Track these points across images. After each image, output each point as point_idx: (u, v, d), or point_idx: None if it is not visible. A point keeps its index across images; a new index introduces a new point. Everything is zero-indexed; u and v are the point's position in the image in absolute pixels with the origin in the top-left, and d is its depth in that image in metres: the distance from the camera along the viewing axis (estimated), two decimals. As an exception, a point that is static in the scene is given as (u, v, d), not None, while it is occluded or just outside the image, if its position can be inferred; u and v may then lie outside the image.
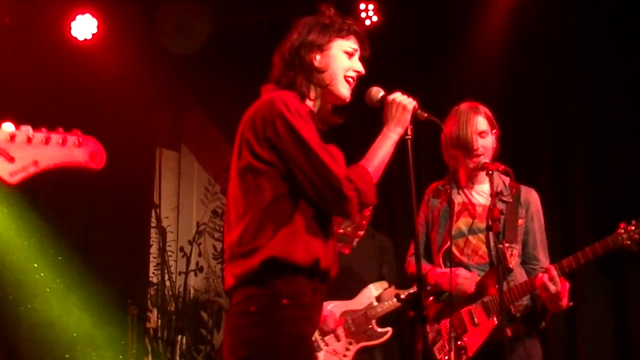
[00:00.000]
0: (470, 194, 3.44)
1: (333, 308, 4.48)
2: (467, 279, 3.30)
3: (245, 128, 2.43)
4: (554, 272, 3.17)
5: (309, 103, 2.54)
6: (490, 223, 3.20)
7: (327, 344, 4.42)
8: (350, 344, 4.43)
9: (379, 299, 4.56)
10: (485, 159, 3.34)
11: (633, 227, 3.18)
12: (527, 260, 3.39)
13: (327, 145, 2.40)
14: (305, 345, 2.35)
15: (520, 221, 3.35)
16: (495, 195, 3.22)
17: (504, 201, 3.34)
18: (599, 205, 4.96)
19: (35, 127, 1.90)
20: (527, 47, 5.38)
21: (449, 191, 3.45)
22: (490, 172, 3.28)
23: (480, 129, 3.37)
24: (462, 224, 3.40)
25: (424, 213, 3.55)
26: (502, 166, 3.28)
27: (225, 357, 2.38)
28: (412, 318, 2.46)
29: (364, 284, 4.58)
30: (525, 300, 3.31)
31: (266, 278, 2.31)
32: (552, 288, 3.15)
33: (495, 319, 3.26)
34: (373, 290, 4.57)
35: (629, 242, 3.17)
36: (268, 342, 2.28)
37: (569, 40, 5.22)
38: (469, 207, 3.41)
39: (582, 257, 3.20)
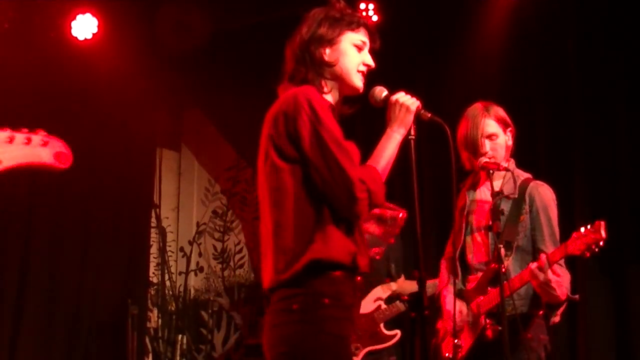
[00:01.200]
0: (481, 192, 3.45)
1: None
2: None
3: (270, 127, 2.42)
4: (544, 260, 3.11)
5: (327, 97, 2.53)
6: (490, 222, 3.20)
7: None
8: (357, 348, 4.36)
9: (387, 301, 4.49)
10: (486, 159, 3.33)
11: (584, 233, 3.12)
12: (537, 256, 3.35)
13: (346, 142, 2.39)
14: (345, 346, 2.34)
15: (522, 217, 3.32)
16: (496, 194, 3.21)
17: (508, 198, 3.32)
18: (599, 205, 4.96)
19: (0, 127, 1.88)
20: (528, 46, 5.38)
21: (464, 191, 3.46)
22: (491, 171, 3.28)
23: (489, 132, 3.34)
24: (471, 222, 3.40)
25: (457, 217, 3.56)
26: (503, 166, 3.27)
27: (265, 352, 2.38)
28: (413, 318, 2.45)
29: (372, 285, 4.52)
30: (523, 306, 3.28)
31: (308, 279, 2.31)
32: (540, 276, 3.09)
33: (483, 319, 3.27)
34: (380, 292, 4.49)
35: (579, 250, 3.06)
36: (309, 340, 2.28)
37: (568, 40, 5.22)
38: (477, 206, 3.41)
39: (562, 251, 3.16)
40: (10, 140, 1.86)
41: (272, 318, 2.37)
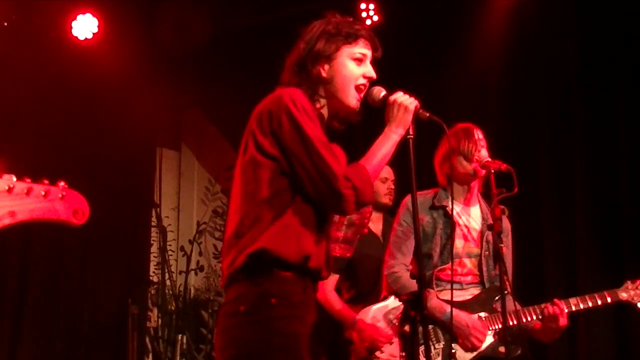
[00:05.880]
0: (466, 217, 3.48)
1: (375, 313, 4.32)
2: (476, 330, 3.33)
3: (252, 122, 2.44)
4: (563, 307, 3.30)
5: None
6: (491, 222, 3.23)
7: (382, 351, 4.28)
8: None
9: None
10: (487, 158, 3.36)
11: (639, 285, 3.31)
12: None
13: (330, 144, 2.40)
14: (295, 344, 2.34)
15: (504, 249, 3.37)
16: (496, 194, 3.22)
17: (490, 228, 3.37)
18: (599, 206, 4.96)
19: (19, 177, 1.80)
20: (528, 47, 5.38)
21: (446, 208, 3.45)
22: (492, 171, 3.30)
23: (479, 137, 3.45)
24: (459, 245, 3.42)
25: (405, 220, 3.52)
26: (504, 165, 3.28)
27: (216, 357, 2.39)
28: (412, 318, 2.45)
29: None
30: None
31: (255, 275, 2.32)
32: (562, 321, 3.28)
33: (492, 336, 3.31)
34: None
35: (634, 299, 3.40)
36: (258, 341, 2.29)
37: (569, 40, 5.23)
38: (465, 230, 3.44)
39: (590, 300, 3.37)
40: (28, 192, 1.79)
41: (221, 322, 2.38)
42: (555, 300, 3.32)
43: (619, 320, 4.84)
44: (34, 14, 5.81)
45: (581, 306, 3.34)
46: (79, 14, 5.91)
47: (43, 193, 1.81)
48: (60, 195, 1.83)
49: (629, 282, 3.42)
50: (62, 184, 1.84)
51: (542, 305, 3.35)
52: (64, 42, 5.95)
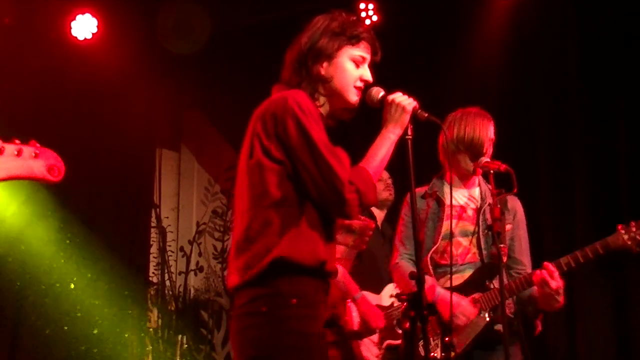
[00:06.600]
0: (461, 197, 3.47)
1: (368, 297, 4.34)
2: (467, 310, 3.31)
3: (256, 124, 2.44)
4: (552, 269, 3.18)
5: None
6: (490, 222, 3.22)
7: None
8: (382, 338, 4.36)
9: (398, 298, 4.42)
10: (487, 159, 3.36)
11: (634, 228, 3.20)
12: (513, 265, 3.45)
13: (334, 147, 2.41)
14: (314, 343, 2.36)
15: (507, 226, 3.38)
16: (496, 194, 3.22)
17: (489, 205, 3.37)
18: (599, 206, 4.96)
19: None
20: (527, 47, 5.38)
21: (437, 193, 3.47)
22: (491, 171, 3.29)
23: (492, 136, 3.44)
24: (450, 227, 3.41)
25: (406, 214, 3.57)
26: (504, 165, 3.28)
27: (234, 357, 2.40)
28: (412, 318, 2.46)
29: (381, 281, 4.49)
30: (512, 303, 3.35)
31: (272, 278, 2.33)
32: (553, 284, 3.16)
33: (487, 316, 3.29)
34: (392, 289, 4.47)
35: (629, 242, 3.18)
36: (277, 341, 2.31)
37: (569, 40, 5.22)
38: (459, 210, 3.43)
39: (581, 256, 3.22)
40: (0, 152, 1.79)
41: (239, 322, 2.38)
42: (545, 263, 3.22)
43: (619, 319, 4.84)
44: (33, 14, 5.80)
45: (573, 264, 3.21)
46: (78, 14, 5.91)
47: (15, 152, 1.80)
48: (33, 154, 1.82)
49: (621, 226, 3.22)
50: (34, 143, 1.83)
51: (529, 272, 3.31)
52: (63, 42, 5.95)
